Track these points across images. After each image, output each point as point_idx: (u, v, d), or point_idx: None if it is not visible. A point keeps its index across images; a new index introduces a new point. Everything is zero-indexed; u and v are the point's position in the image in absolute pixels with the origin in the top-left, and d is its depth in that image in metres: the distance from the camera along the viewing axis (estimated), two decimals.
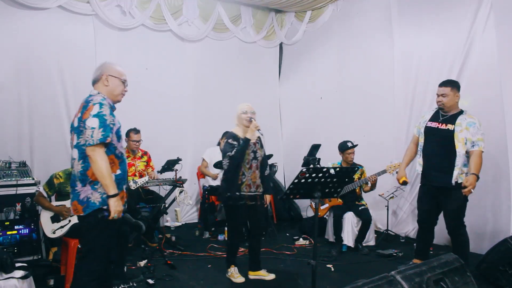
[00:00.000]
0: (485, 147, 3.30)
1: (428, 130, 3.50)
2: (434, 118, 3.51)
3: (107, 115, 2.32)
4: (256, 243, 3.65)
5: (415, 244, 3.93)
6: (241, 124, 3.51)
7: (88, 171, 2.32)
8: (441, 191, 3.42)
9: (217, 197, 4.60)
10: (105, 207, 2.33)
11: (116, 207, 2.30)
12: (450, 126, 3.37)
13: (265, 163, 3.64)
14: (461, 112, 3.41)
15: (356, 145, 4.58)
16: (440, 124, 3.43)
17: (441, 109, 3.46)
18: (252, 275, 3.62)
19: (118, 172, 2.42)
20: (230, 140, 3.43)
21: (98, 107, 2.30)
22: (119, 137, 2.44)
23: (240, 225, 3.69)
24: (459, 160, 3.32)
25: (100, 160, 2.26)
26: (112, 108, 2.46)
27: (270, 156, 5.51)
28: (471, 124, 3.30)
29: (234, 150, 3.36)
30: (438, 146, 3.41)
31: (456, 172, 3.32)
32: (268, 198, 3.68)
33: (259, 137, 3.58)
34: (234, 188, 3.41)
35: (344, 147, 4.58)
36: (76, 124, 2.35)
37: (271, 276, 3.60)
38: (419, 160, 3.59)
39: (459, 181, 3.30)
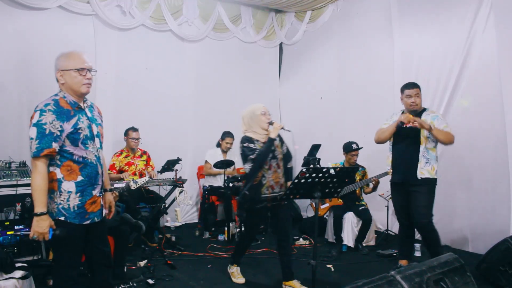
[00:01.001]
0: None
1: (397, 130, 3.59)
2: None
3: (47, 123, 2.14)
4: (283, 250, 3.37)
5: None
6: (256, 126, 3.31)
7: None
8: (411, 187, 3.49)
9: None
10: (61, 218, 2.21)
11: (35, 227, 2.12)
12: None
13: (288, 157, 3.47)
14: (424, 109, 3.57)
15: (361, 147, 4.57)
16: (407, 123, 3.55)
17: (412, 111, 3.52)
18: (285, 285, 3.36)
19: (80, 178, 2.25)
20: (246, 144, 3.24)
21: (38, 115, 2.15)
22: (75, 140, 2.23)
23: (255, 226, 3.51)
24: (420, 154, 3.45)
25: (34, 174, 2.13)
26: (73, 106, 2.26)
27: None
28: (435, 117, 3.49)
29: (256, 152, 3.17)
30: (407, 144, 3.53)
31: (418, 166, 3.44)
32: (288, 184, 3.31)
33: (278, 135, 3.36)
34: (253, 190, 3.21)
35: (348, 149, 4.59)
36: None
37: None
38: (388, 161, 3.72)
39: (425, 176, 3.43)
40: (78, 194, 2.25)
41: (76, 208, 2.25)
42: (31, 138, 2.13)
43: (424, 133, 3.46)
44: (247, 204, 3.27)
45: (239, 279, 3.54)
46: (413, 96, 3.53)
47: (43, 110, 2.16)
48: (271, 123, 3.31)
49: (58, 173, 2.22)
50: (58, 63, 2.29)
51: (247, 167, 3.24)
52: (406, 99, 3.57)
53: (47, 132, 2.14)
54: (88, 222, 2.29)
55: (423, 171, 3.44)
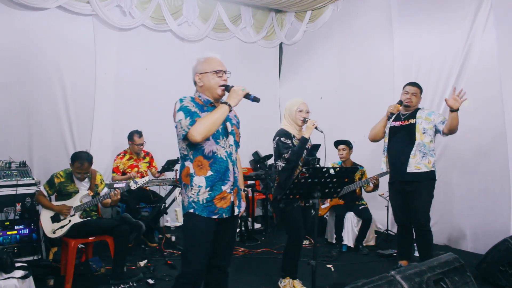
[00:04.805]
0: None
1: (392, 129, 3.64)
2: (396, 118, 3.66)
3: (189, 106, 2.39)
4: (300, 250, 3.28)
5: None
6: (293, 122, 3.23)
7: None
8: (410, 186, 3.48)
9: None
10: (190, 211, 2.25)
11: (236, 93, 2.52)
12: (412, 120, 3.55)
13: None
14: (418, 108, 3.61)
15: (347, 140, 4.65)
16: (403, 121, 3.60)
17: (406, 107, 3.59)
18: (284, 281, 3.33)
19: (210, 173, 2.28)
20: (283, 139, 3.12)
21: (178, 102, 2.41)
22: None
23: (300, 227, 3.18)
24: (416, 148, 3.46)
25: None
26: (206, 103, 2.47)
27: (270, 156, 5.51)
28: (431, 113, 3.53)
29: (290, 151, 3.07)
30: (403, 142, 3.54)
31: (412, 161, 3.44)
32: None
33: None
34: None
35: (335, 144, 4.70)
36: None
37: None
38: (384, 159, 3.72)
39: (422, 170, 3.42)
40: (208, 189, 2.26)
41: (204, 202, 2.26)
42: (179, 120, 2.25)
43: (418, 128, 3.47)
44: (283, 204, 3.13)
45: None
46: (410, 93, 3.57)
47: (181, 99, 2.35)
48: (305, 121, 3.19)
49: (191, 168, 2.28)
50: (196, 67, 2.51)
51: (280, 164, 3.13)
52: (403, 95, 3.61)
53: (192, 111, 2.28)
54: (216, 216, 2.27)
55: (420, 165, 3.44)
